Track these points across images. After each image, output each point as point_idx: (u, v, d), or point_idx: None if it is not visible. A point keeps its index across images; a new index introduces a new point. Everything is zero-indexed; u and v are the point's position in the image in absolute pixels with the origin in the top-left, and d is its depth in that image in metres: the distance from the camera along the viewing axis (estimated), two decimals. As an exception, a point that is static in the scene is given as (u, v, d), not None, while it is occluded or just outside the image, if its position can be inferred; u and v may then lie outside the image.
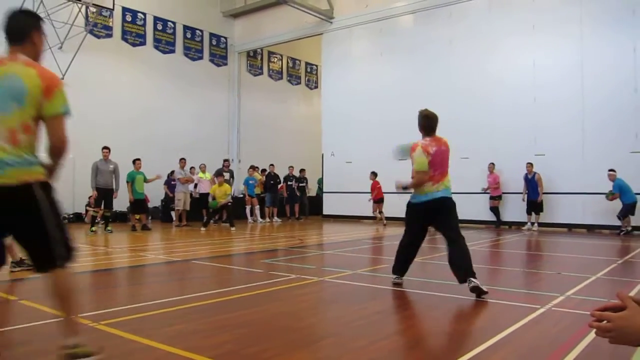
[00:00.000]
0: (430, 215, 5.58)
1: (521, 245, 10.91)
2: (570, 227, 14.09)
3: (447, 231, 5.45)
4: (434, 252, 9.11)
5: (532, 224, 14.00)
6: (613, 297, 1.58)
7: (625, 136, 13.22)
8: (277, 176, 18.76)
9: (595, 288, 5.83)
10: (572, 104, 14.05)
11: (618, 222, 12.76)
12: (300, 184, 19.63)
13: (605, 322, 1.47)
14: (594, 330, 1.50)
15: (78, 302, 3.11)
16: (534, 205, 13.89)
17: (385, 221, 15.59)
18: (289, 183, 19.03)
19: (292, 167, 19.55)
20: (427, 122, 5.83)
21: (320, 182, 20.75)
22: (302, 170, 19.94)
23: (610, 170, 12.58)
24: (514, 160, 14.50)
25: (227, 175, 16.68)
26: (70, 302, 2.99)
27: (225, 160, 17.29)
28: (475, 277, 5.08)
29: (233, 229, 14.13)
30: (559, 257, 9.16)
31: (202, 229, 14.08)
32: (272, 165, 18.82)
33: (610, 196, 12.50)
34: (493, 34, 15.57)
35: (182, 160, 16.11)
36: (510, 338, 3.76)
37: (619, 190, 12.30)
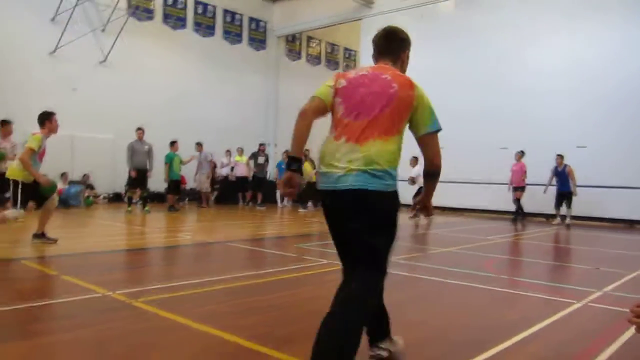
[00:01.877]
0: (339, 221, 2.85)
1: (555, 239, 10.68)
2: (608, 221, 13.72)
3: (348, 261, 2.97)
4: (468, 241, 9.01)
5: (563, 217, 13.08)
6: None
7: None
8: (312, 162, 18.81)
9: (635, 285, 5.68)
10: (614, 95, 13.59)
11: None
12: None
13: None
14: (633, 327, 1.48)
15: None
16: (565, 197, 13.02)
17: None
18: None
19: (308, 149, 19.49)
20: (373, 41, 3.17)
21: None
22: (306, 150, 19.90)
23: None
24: (554, 152, 14.07)
25: (262, 159, 16.81)
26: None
27: (261, 144, 17.38)
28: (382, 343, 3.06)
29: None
30: (597, 251, 8.94)
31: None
32: (307, 149, 18.86)
33: None
34: (534, 20, 15.16)
35: (199, 145, 15.94)
36: (543, 332, 3.71)
37: None
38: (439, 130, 2.69)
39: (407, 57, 3.05)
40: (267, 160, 17.24)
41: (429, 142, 2.69)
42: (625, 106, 13.48)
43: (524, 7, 15.42)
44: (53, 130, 7.00)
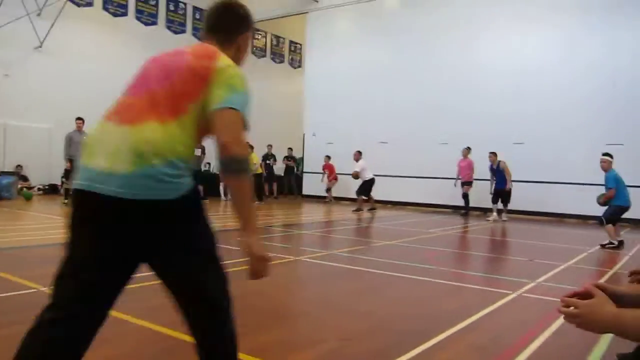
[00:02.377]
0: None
1: (494, 232, 11.07)
2: (545, 215, 14.35)
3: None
4: (410, 234, 9.21)
5: (500, 212, 13.33)
6: (582, 285, 1.63)
7: (603, 129, 13.39)
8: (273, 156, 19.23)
9: (566, 276, 5.96)
10: (556, 94, 14.18)
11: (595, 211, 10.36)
12: (289, 163, 19.82)
13: (572, 308, 1.52)
14: (563, 316, 1.55)
15: None
16: (502, 194, 13.22)
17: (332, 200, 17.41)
18: (267, 162, 18.92)
19: (270, 145, 19.45)
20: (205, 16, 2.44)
21: (300, 161, 20.72)
22: (289, 149, 20.09)
23: (605, 154, 9.09)
24: (493, 148, 14.53)
25: (198, 152, 16.57)
26: None
27: None
28: None
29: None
30: (532, 244, 9.33)
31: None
32: (269, 145, 19.14)
33: (601, 198, 8.90)
34: (479, 20, 15.59)
35: None
36: (481, 322, 3.84)
37: (616, 184, 8.69)
38: (237, 110, 1.89)
39: (246, 44, 2.32)
40: (203, 153, 16.93)
41: (219, 120, 1.85)
42: (562, 103, 14.09)
43: (469, 6, 15.81)
44: None
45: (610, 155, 9.03)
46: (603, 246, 8.58)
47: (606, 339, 3.40)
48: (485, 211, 14.40)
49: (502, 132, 14.77)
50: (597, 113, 13.61)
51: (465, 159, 14.27)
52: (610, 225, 8.61)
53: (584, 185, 12.85)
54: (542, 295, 4.80)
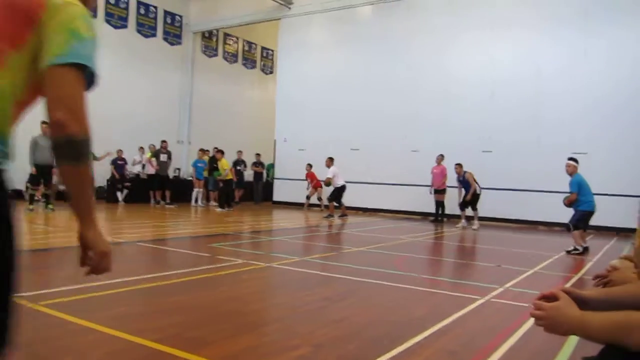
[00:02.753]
0: None
1: (463, 239, 11.22)
2: (512, 222, 14.61)
3: None
4: (381, 240, 9.26)
5: (469, 219, 13.41)
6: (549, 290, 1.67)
7: (574, 137, 13.67)
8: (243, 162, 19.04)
9: (533, 281, 6.07)
10: (527, 103, 14.47)
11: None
12: (257, 169, 19.66)
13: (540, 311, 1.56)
14: (532, 319, 1.59)
15: None
16: (469, 202, 13.26)
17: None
18: (237, 168, 18.78)
19: (240, 151, 19.35)
20: None
21: (270, 168, 20.62)
22: (257, 155, 19.93)
23: (570, 158, 9.31)
24: (463, 156, 14.74)
25: (164, 157, 16.39)
26: None
27: (163, 141, 16.77)
28: None
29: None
30: (501, 250, 9.48)
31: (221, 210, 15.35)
32: (240, 151, 18.97)
33: (566, 200, 9.14)
34: (451, 29, 15.84)
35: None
36: (451, 326, 3.88)
37: (578, 189, 8.89)
38: (80, 68, 1.46)
39: None
40: (169, 158, 16.74)
41: (52, 83, 1.40)
42: (536, 114, 14.38)
43: (441, 15, 16.02)
44: None
45: (576, 160, 9.24)
46: (569, 252, 8.76)
47: (571, 343, 3.47)
48: (457, 218, 14.58)
49: (471, 140, 15.02)
50: (564, 122, 13.93)
51: (439, 165, 14.45)
52: (576, 231, 8.81)
53: (551, 193, 13.11)
54: (510, 301, 4.88)
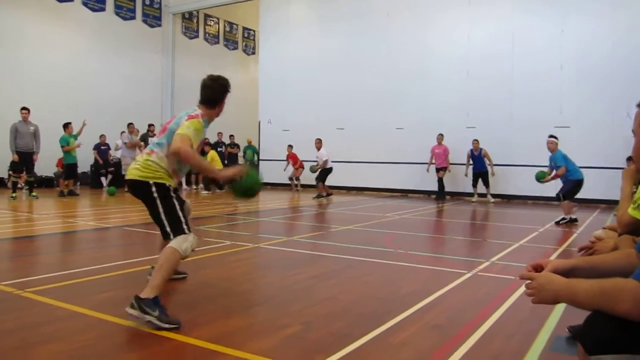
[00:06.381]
0: None
1: (450, 215, 11.31)
2: (497, 197, 14.78)
3: None
4: (367, 219, 9.31)
5: (485, 195, 14.12)
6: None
7: (551, 112, 13.83)
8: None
9: (519, 254, 6.15)
10: (503, 79, 14.55)
11: (537, 191, 12.93)
12: (232, 151, 19.46)
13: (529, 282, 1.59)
14: (520, 291, 1.62)
15: (165, 273, 3.37)
16: (481, 177, 14.06)
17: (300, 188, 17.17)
18: (218, 149, 18.61)
19: (221, 133, 19.18)
20: None
21: (247, 150, 20.01)
22: (231, 136, 19.70)
23: (551, 136, 9.56)
24: (447, 133, 14.84)
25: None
26: (159, 269, 3.35)
27: (150, 125, 16.57)
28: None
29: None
30: (487, 225, 9.58)
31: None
32: (220, 133, 18.90)
33: (547, 176, 9.51)
34: (430, 7, 15.79)
35: (131, 125, 15.65)
36: (439, 301, 3.93)
37: (565, 162, 9.18)
38: None
39: None
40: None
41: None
42: (511, 90, 14.45)
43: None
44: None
45: (556, 137, 9.49)
46: (558, 223, 8.96)
47: (557, 313, 3.53)
48: (453, 195, 14.90)
49: (456, 117, 15.08)
50: (545, 96, 14.03)
51: (440, 145, 14.74)
52: (566, 202, 9.05)
53: (536, 167, 13.23)
54: (496, 274, 4.94)
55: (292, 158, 17.22)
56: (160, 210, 3.59)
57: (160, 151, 3.73)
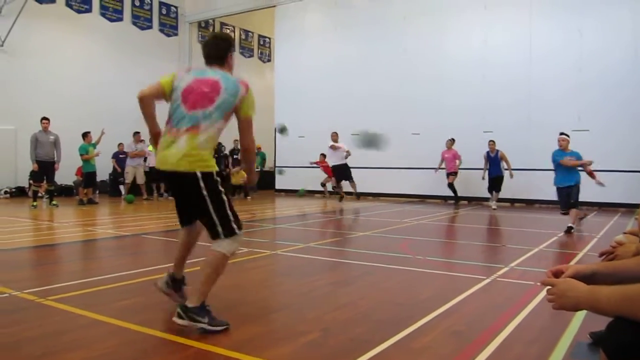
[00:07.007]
0: None
1: (467, 220, 11.23)
2: (513, 202, 14.63)
3: None
4: (385, 225, 9.28)
5: (487, 199, 13.94)
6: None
7: (569, 115, 13.66)
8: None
9: (538, 259, 6.09)
10: (520, 82, 14.44)
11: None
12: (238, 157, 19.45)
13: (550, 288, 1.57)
14: (540, 297, 1.61)
15: (214, 279, 3.35)
16: (497, 181, 13.55)
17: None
18: (235, 157, 18.66)
19: (237, 140, 19.20)
20: None
21: (259, 156, 19.90)
22: (236, 141, 19.69)
23: (562, 133, 9.24)
24: (463, 137, 14.74)
25: None
26: (207, 276, 3.29)
27: None
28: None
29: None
30: (505, 230, 9.49)
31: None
32: (236, 140, 18.86)
33: (588, 167, 9.28)
34: (446, 11, 15.76)
35: (137, 135, 15.78)
36: (459, 306, 3.90)
37: (560, 159, 8.93)
38: None
39: None
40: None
41: None
42: (529, 94, 14.33)
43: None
44: None
45: (568, 135, 9.12)
46: (569, 232, 8.48)
47: (578, 319, 3.49)
48: (468, 200, 14.78)
49: (472, 121, 14.99)
50: (563, 100, 13.89)
51: (450, 149, 14.59)
52: (575, 210, 8.72)
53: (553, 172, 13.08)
54: (515, 280, 4.89)
55: (324, 167, 16.83)
56: (210, 207, 3.21)
57: (211, 127, 3.31)
